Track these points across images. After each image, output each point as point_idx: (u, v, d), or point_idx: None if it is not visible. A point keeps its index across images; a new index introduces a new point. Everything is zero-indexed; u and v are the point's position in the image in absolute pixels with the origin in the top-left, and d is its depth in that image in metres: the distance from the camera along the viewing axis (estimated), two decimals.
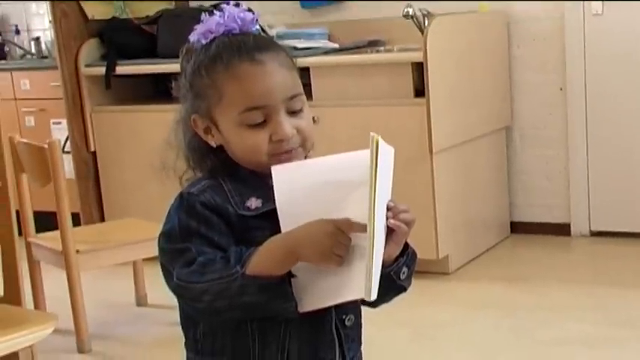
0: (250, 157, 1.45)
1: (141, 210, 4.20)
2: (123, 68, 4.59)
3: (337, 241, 1.32)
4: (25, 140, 3.51)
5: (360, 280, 1.29)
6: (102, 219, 4.72)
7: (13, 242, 2.82)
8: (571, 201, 4.58)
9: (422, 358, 3.28)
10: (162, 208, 1.49)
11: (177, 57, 1.52)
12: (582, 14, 4.39)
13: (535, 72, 4.55)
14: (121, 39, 4.66)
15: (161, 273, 1.44)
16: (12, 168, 3.08)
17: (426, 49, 3.85)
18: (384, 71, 4.01)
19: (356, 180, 1.34)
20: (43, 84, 5.21)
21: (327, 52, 4.34)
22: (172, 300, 1.47)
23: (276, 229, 1.37)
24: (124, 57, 4.62)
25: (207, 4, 4.63)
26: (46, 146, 3.33)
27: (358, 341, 1.54)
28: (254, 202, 1.43)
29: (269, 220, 1.40)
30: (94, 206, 4.75)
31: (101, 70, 4.58)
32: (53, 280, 3.70)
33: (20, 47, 6.13)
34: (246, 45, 1.44)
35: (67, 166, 4.05)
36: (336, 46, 4.47)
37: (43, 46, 6.02)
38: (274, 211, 1.39)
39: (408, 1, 4.33)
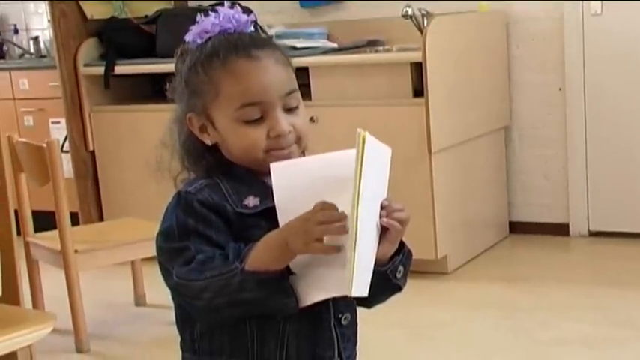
0: (246, 153, 1.45)
1: (140, 210, 4.19)
2: (122, 68, 4.59)
3: (313, 224, 1.30)
4: (23, 140, 3.51)
5: (348, 276, 1.29)
6: (101, 218, 4.71)
7: (12, 242, 2.82)
8: (570, 201, 4.57)
9: (420, 359, 3.28)
10: (161, 207, 1.48)
11: None
12: (581, 14, 4.39)
13: (534, 72, 4.55)
14: (120, 39, 4.66)
15: (160, 272, 1.44)
16: (11, 167, 3.07)
17: (425, 49, 3.85)
18: (383, 71, 4.01)
19: (352, 177, 1.34)
20: (42, 83, 5.20)
21: (326, 51, 4.34)
22: (171, 299, 1.47)
23: (274, 227, 1.37)
24: (123, 57, 4.61)
25: (206, 3, 4.63)
26: (44, 146, 3.33)
27: (354, 340, 1.54)
28: (252, 201, 1.43)
29: (267, 218, 1.40)
30: (93, 206, 4.75)
31: (100, 69, 4.58)
32: (52, 280, 3.70)
33: (19, 47, 6.13)
34: (243, 42, 1.45)
35: (65, 165, 4.05)
36: (335, 45, 4.47)
37: (42, 46, 6.02)
38: (272, 209, 1.39)
39: (407, 1, 4.33)
